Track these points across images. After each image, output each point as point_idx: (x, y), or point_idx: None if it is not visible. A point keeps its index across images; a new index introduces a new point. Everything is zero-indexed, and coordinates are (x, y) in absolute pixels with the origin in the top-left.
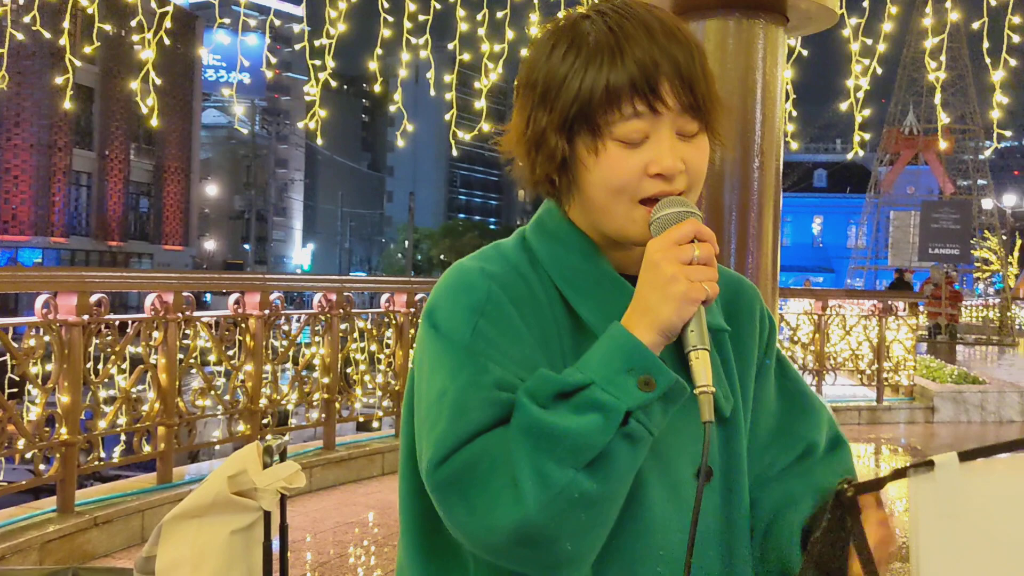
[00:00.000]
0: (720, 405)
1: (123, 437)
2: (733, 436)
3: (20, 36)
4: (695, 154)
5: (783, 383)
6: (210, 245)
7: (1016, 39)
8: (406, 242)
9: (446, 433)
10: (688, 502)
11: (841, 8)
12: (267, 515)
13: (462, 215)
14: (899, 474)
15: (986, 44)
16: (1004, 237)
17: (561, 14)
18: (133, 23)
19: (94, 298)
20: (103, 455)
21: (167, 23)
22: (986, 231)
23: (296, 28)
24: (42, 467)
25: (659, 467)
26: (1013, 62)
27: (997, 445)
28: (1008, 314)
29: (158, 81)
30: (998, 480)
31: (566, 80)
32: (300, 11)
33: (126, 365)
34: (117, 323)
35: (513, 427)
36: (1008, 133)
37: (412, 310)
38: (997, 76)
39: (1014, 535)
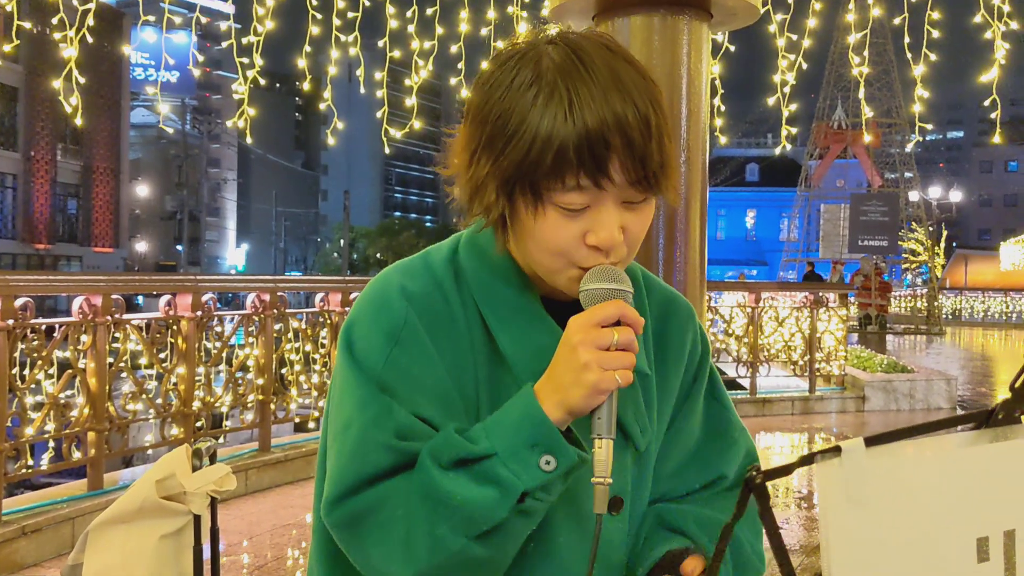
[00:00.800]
0: (636, 439)
1: (52, 444)
2: (646, 466)
3: None
4: (636, 222)
5: (711, 407)
6: (141, 247)
7: (936, 34)
8: (342, 241)
9: (345, 472)
10: (609, 545)
11: (766, 5)
12: (197, 519)
13: (398, 213)
14: (807, 460)
15: (907, 39)
16: (931, 228)
17: (522, 38)
18: (55, 20)
19: (19, 302)
20: (31, 462)
21: (90, 20)
22: (913, 223)
23: (224, 26)
24: None
25: (568, 502)
26: (933, 57)
27: (903, 430)
28: (935, 304)
29: (82, 80)
30: (905, 465)
31: (515, 137)
32: (228, 8)
33: (54, 370)
34: (44, 327)
35: (414, 485)
36: (929, 126)
37: (347, 309)
38: (918, 71)
39: (920, 520)
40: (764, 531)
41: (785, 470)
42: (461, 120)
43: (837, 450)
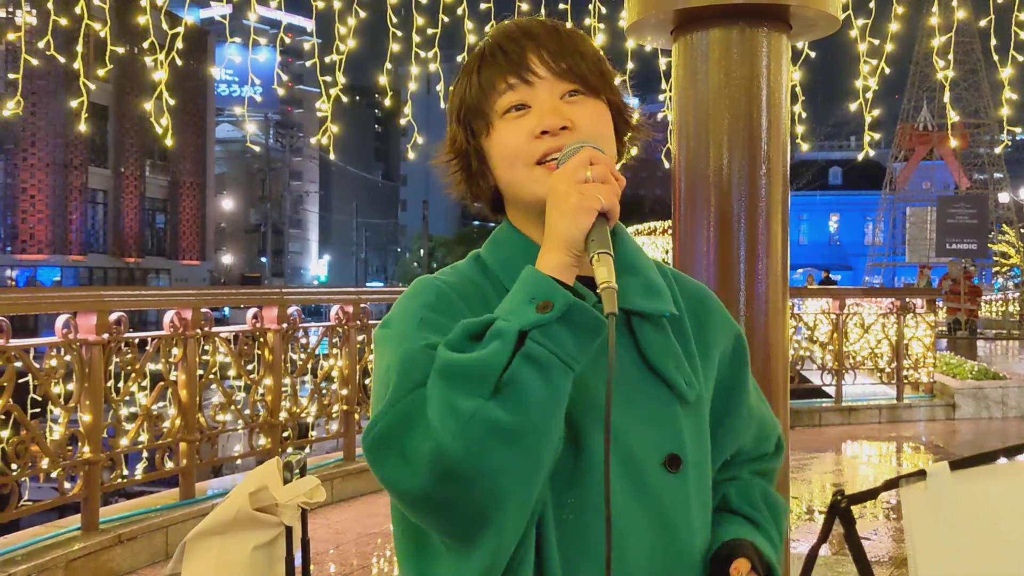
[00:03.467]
0: (679, 386)
1: (145, 454)
2: (699, 422)
3: (35, 62)
4: (582, 112)
5: (758, 389)
6: (227, 259)
7: None
8: (421, 251)
9: (388, 398)
10: (653, 491)
11: (846, 11)
12: (289, 530)
13: (476, 222)
14: (891, 484)
15: (993, 41)
16: (1022, 230)
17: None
18: (145, 44)
19: (113, 317)
20: (126, 472)
21: (179, 43)
22: (1004, 225)
23: (307, 44)
24: (66, 485)
25: (619, 454)
26: (1021, 58)
27: (987, 454)
28: None
29: (172, 101)
30: (990, 487)
31: (456, 88)
32: (310, 24)
33: (146, 382)
34: (137, 341)
35: (431, 375)
36: (1019, 130)
37: None
38: (1006, 73)
39: (1007, 541)
40: (850, 552)
41: (870, 494)
42: None
43: (922, 474)
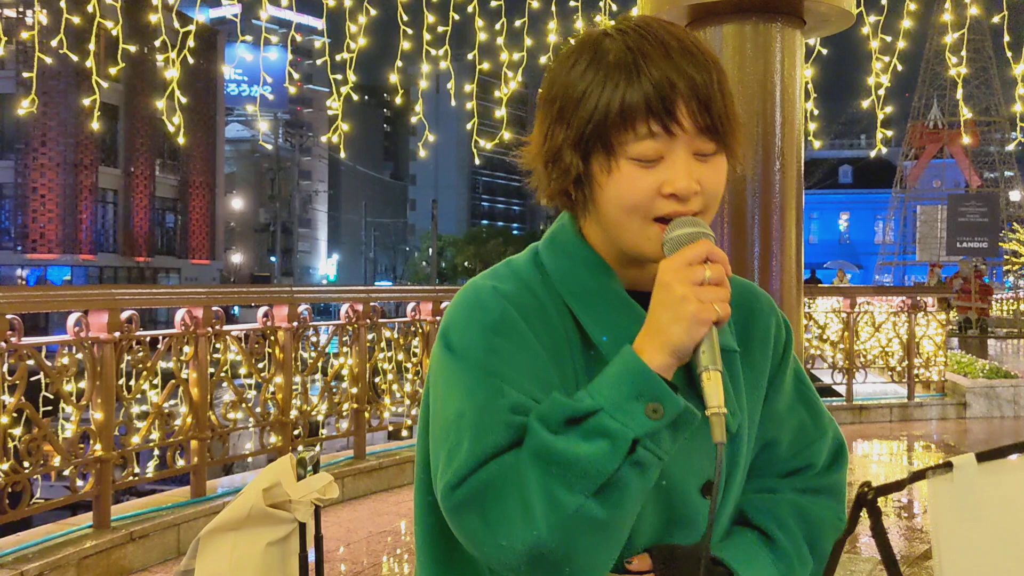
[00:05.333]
0: (727, 422)
1: (157, 452)
2: (737, 451)
3: (49, 60)
4: (711, 175)
5: (802, 394)
6: (237, 258)
7: None
8: (430, 250)
9: (465, 458)
10: (689, 518)
11: (859, 7)
12: (302, 526)
13: (485, 221)
14: (918, 476)
15: (1006, 38)
16: None
17: (582, 30)
18: (157, 43)
19: (125, 315)
20: (137, 470)
21: (190, 42)
22: (1015, 223)
23: (317, 43)
24: (78, 483)
25: (663, 484)
26: None
27: (1016, 445)
28: None
29: (183, 100)
30: (1017, 480)
31: (583, 97)
32: (320, 23)
33: (158, 380)
34: (148, 339)
35: (525, 451)
36: None
37: (438, 318)
38: (1019, 70)
39: None
40: (876, 544)
41: (897, 486)
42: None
43: (949, 466)
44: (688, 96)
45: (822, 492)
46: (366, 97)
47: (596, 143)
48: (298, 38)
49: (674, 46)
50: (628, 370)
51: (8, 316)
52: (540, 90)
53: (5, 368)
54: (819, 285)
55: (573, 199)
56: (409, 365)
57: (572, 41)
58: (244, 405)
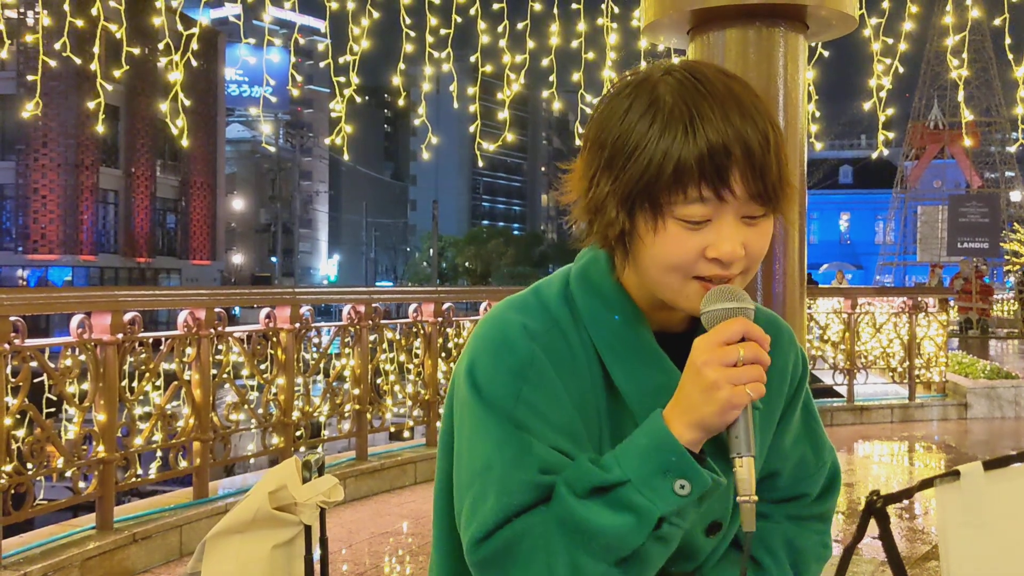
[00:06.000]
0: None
1: (159, 453)
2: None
3: (53, 63)
4: (757, 238)
5: (809, 425)
6: (238, 259)
7: None
8: (431, 250)
9: (489, 513)
10: (692, 552)
11: (860, 9)
12: (307, 529)
13: (486, 222)
14: (926, 484)
15: (1008, 40)
16: None
17: (640, 66)
18: (160, 46)
19: (127, 316)
20: (140, 471)
21: (194, 44)
22: (1015, 223)
23: (320, 45)
24: (81, 485)
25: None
26: None
27: (1022, 454)
28: None
29: (187, 102)
30: (1022, 488)
31: (635, 153)
32: (321, 24)
33: (160, 382)
34: (151, 340)
35: (551, 515)
36: None
37: (440, 319)
38: (1020, 72)
39: None
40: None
41: (905, 494)
42: (576, 151)
43: (956, 474)
44: (743, 163)
45: (812, 519)
46: (367, 97)
47: (644, 201)
48: (300, 40)
49: (732, 105)
50: (657, 444)
51: (11, 318)
52: (589, 123)
53: (9, 370)
54: (817, 286)
55: (613, 247)
56: (411, 366)
57: (627, 79)
58: (246, 406)
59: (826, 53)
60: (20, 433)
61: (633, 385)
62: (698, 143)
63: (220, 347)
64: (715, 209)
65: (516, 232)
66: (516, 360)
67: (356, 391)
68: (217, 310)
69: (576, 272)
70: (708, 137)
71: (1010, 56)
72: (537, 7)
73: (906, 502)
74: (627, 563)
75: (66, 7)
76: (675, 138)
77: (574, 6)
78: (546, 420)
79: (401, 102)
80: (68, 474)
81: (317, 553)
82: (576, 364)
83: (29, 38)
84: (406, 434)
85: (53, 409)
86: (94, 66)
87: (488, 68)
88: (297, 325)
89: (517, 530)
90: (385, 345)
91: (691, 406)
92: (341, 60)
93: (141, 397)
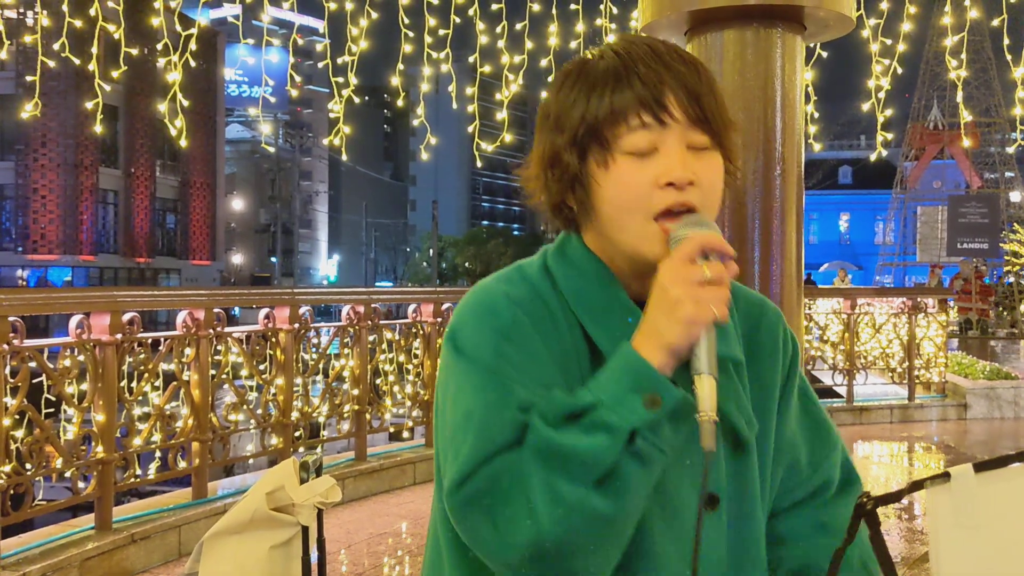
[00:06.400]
0: (741, 430)
1: (158, 453)
2: (747, 463)
3: (52, 63)
4: (706, 168)
5: (809, 409)
6: (237, 259)
7: None
8: (431, 251)
9: (470, 453)
10: (689, 531)
11: (859, 10)
12: (305, 530)
13: (486, 222)
14: (916, 486)
15: (1006, 41)
16: None
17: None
18: (159, 46)
19: (126, 317)
20: (139, 472)
21: (192, 45)
22: (1015, 224)
23: (319, 45)
24: (80, 485)
25: (658, 495)
26: None
27: (1013, 456)
28: None
29: (186, 103)
30: (1015, 489)
31: (575, 103)
32: (320, 24)
33: (159, 382)
34: (150, 341)
35: (526, 448)
36: None
37: (439, 320)
38: (1019, 73)
39: None
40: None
41: (896, 496)
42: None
43: (947, 476)
44: (676, 88)
45: (828, 528)
46: (366, 98)
47: (591, 140)
48: (299, 40)
49: (661, 50)
50: (626, 365)
51: (10, 318)
52: (537, 119)
53: (7, 370)
54: (816, 287)
55: (574, 209)
56: (410, 367)
57: (564, 66)
58: (245, 407)
59: (825, 54)
60: (19, 433)
61: (612, 342)
62: (632, 80)
63: (219, 347)
64: (659, 136)
65: (516, 232)
66: (500, 322)
67: (355, 391)
68: (216, 310)
69: (554, 247)
70: (641, 71)
71: (1009, 57)
72: (536, 7)
73: (906, 502)
74: (605, 484)
75: (65, 7)
76: (609, 82)
77: (573, 7)
78: (526, 373)
79: (400, 102)
80: (67, 474)
81: (315, 554)
82: (558, 329)
83: (28, 38)
84: (405, 434)
85: (52, 409)
86: (93, 66)
87: (487, 68)
88: (296, 325)
89: (497, 467)
90: (384, 345)
91: (656, 328)
92: (340, 60)
93: (140, 397)
